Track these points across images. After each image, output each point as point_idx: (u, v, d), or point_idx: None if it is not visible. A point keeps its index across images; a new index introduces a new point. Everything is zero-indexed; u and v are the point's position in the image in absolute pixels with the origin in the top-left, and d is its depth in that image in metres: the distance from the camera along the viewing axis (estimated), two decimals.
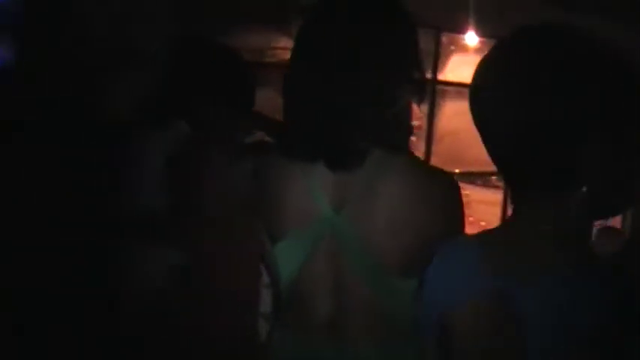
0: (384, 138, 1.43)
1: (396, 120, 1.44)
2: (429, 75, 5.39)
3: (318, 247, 1.47)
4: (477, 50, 5.31)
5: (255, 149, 2.05)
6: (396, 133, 1.45)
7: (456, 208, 1.47)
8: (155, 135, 2.52)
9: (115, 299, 2.61)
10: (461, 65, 5.39)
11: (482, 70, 1.17)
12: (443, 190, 1.46)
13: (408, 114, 1.47)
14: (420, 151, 5.41)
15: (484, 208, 5.34)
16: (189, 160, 2.27)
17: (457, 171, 5.09)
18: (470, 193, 5.30)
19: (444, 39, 5.49)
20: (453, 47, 5.52)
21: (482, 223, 4.62)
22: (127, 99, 2.92)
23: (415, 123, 6.06)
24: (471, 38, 5.27)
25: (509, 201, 1.22)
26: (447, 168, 5.76)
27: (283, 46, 4.40)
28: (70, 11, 4.56)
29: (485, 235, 1.24)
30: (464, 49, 5.47)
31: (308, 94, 1.43)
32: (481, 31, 5.06)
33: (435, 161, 5.32)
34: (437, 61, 5.42)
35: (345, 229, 1.43)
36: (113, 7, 4.49)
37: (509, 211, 1.22)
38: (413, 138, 5.39)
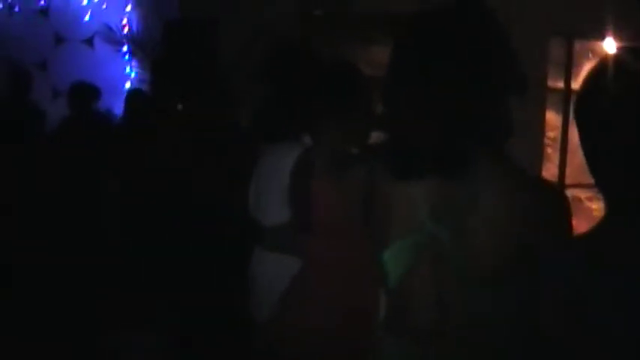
0: (484, 139, 1.43)
1: (496, 120, 1.44)
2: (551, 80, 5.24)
3: (420, 256, 1.48)
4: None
5: (372, 151, 2.08)
6: (496, 134, 1.44)
7: (559, 221, 1.43)
8: (281, 148, 2.59)
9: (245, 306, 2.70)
10: None
11: (595, 78, 1.19)
12: (545, 202, 1.43)
13: (508, 115, 1.45)
14: (554, 163, 5.27)
15: None
16: (309, 172, 2.32)
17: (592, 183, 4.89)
18: None
19: (578, 46, 5.32)
20: (590, 55, 5.33)
21: None
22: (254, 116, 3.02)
23: (550, 134, 5.84)
24: (610, 45, 5.06)
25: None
26: (582, 180, 5.50)
27: None
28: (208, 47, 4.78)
29: (579, 239, 1.23)
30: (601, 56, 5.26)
31: (407, 99, 1.45)
32: (620, 38, 4.85)
33: (569, 173, 5.17)
34: (569, 69, 5.26)
35: (445, 239, 1.44)
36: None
37: None
38: (548, 149, 5.25)
